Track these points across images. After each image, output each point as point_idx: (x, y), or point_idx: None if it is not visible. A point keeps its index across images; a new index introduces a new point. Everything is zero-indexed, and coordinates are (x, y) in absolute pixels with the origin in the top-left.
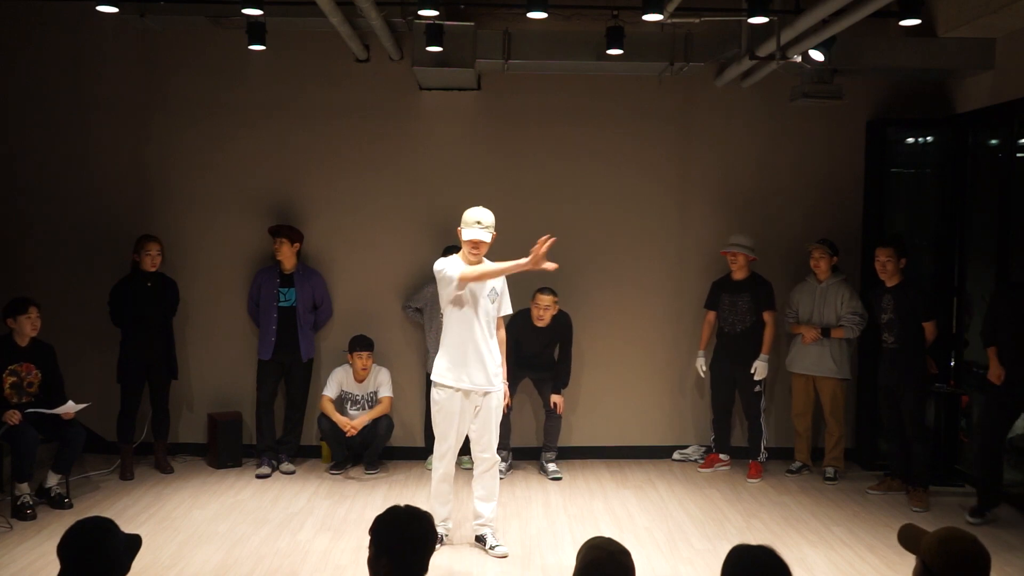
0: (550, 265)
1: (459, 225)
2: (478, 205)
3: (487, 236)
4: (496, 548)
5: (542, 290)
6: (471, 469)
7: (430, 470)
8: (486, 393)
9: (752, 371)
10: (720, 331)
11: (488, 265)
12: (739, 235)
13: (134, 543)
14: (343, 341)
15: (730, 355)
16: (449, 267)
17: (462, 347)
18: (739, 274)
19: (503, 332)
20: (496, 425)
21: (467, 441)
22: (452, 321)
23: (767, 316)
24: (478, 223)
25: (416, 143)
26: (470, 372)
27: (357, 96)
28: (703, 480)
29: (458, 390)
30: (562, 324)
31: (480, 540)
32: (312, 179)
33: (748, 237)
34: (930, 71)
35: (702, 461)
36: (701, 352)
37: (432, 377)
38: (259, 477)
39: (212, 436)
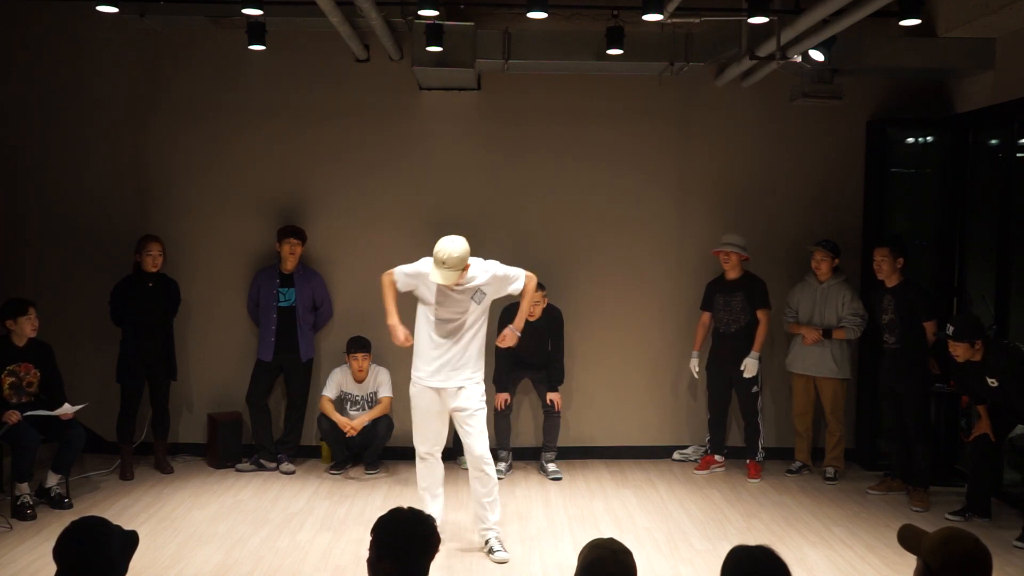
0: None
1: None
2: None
3: (451, 279)
4: (496, 553)
5: None
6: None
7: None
8: (459, 388)
9: (742, 368)
10: (715, 331)
11: (387, 297)
12: (731, 234)
13: (130, 541)
14: (343, 341)
15: (726, 355)
16: (418, 276)
17: (425, 346)
18: (732, 273)
19: (531, 284)
20: (477, 421)
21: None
22: (419, 319)
23: (761, 314)
24: (444, 263)
25: (416, 143)
26: (436, 371)
27: (357, 96)
28: (703, 480)
29: (427, 386)
30: (553, 318)
31: (485, 543)
32: (312, 179)
33: (740, 236)
34: (930, 71)
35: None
36: (695, 353)
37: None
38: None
39: (212, 436)
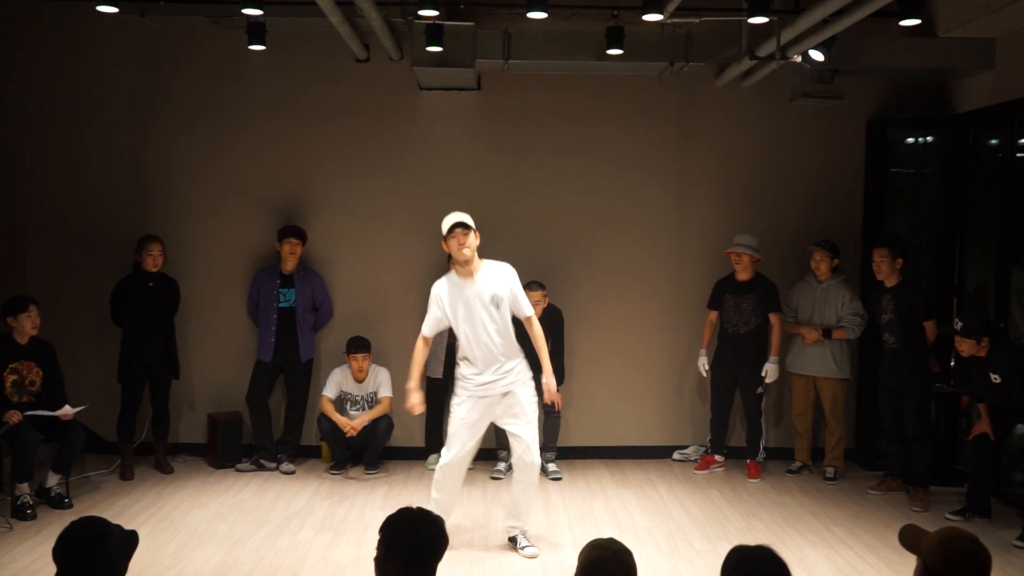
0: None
1: (442, 239)
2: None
3: (470, 221)
4: (526, 548)
5: (530, 285)
6: (472, 469)
7: (431, 469)
8: (505, 394)
9: (763, 374)
10: (723, 332)
11: (416, 360)
12: (744, 235)
13: (130, 541)
14: (343, 342)
15: (734, 356)
16: (433, 301)
17: (467, 355)
18: (744, 275)
19: (536, 329)
20: (528, 421)
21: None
22: (457, 333)
23: (773, 318)
24: (456, 219)
25: (416, 143)
26: (480, 384)
27: (357, 96)
28: (703, 480)
29: (473, 396)
30: (554, 318)
31: (512, 541)
32: (312, 179)
33: (753, 237)
34: (930, 71)
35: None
36: (703, 351)
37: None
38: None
39: (212, 436)
